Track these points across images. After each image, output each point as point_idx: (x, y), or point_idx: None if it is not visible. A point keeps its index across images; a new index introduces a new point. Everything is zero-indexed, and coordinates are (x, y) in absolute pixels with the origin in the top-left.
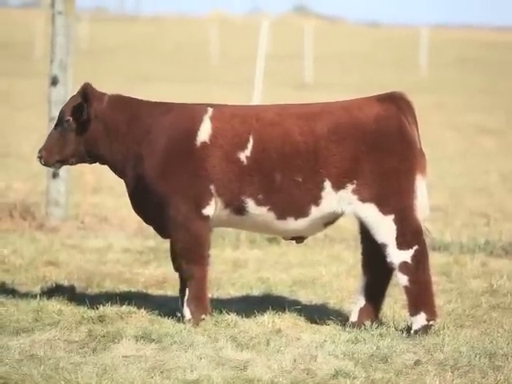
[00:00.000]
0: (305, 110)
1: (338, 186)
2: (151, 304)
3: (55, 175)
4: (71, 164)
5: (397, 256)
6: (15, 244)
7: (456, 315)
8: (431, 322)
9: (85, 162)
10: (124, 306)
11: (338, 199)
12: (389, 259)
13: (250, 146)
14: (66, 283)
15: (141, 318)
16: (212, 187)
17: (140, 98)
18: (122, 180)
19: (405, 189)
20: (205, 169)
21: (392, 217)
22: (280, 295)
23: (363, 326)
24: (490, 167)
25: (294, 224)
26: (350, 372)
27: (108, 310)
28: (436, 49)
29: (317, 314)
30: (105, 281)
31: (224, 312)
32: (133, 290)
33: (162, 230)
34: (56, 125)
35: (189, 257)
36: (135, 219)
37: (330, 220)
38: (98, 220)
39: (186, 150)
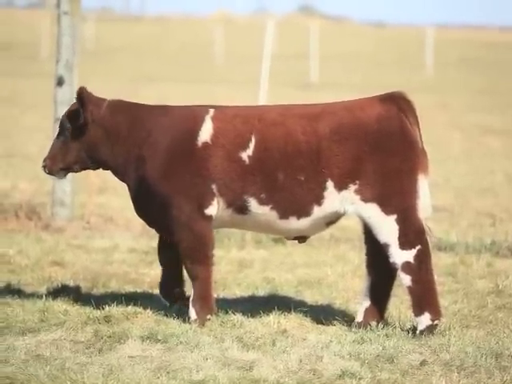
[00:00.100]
0: (307, 111)
1: (341, 186)
2: (157, 304)
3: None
4: (75, 171)
5: (399, 256)
6: (21, 244)
7: (462, 316)
8: (436, 322)
9: (88, 168)
10: (130, 307)
11: (340, 199)
12: (391, 259)
13: (252, 145)
14: (71, 283)
15: (147, 318)
16: (214, 187)
17: (143, 100)
18: (125, 184)
19: (407, 189)
20: (207, 169)
21: (394, 217)
22: (286, 295)
23: (369, 327)
24: (496, 167)
25: (296, 223)
26: (356, 372)
27: (114, 310)
28: (441, 49)
29: (323, 314)
30: (110, 281)
31: (230, 312)
32: (139, 290)
33: (166, 232)
34: (58, 133)
35: (193, 257)
36: (141, 219)
37: (333, 220)
38: (104, 220)
39: (187, 150)
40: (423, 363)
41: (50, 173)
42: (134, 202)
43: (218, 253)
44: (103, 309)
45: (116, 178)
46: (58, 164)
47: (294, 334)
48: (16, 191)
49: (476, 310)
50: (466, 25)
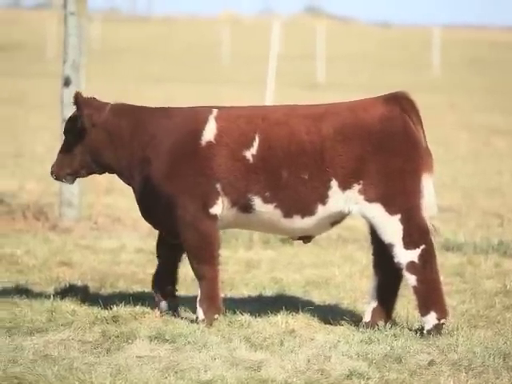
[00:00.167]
0: (310, 111)
1: (345, 185)
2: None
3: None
4: (82, 176)
5: (404, 256)
6: (28, 244)
7: (470, 316)
8: (442, 321)
9: (94, 172)
10: (138, 307)
11: (344, 199)
12: (396, 259)
13: (256, 144)
14: (79, 283)
15: (154, 318)
16: (218, 186)
17: (149, 100)
18: (130, 186)
19: (411, 188)
20: (211, 168)
21: (398, 216)
22: (293, 295)
23: (377, 327)
24: (503, 167)
25: (300, 222)
26: (363, 372)
27: (122, 310)
28: (448, 49)
29: (330, 314)
30: (118, 281)
31: (237, 312)
32: (146, 290)
33: (172, 233)
34: (64, 139)
35: (199, 256)
36: (147, 222)
37: (337, 219)
38: (111, 220)
39: (191, 150)
40: (431, 363)
41: (58, 178)
42: (139, 205)
43: (225, 253)
44: (111, 309)
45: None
46: (65, 169)
47: (302, 334)
48: (23, 191)
49: (484, 310)
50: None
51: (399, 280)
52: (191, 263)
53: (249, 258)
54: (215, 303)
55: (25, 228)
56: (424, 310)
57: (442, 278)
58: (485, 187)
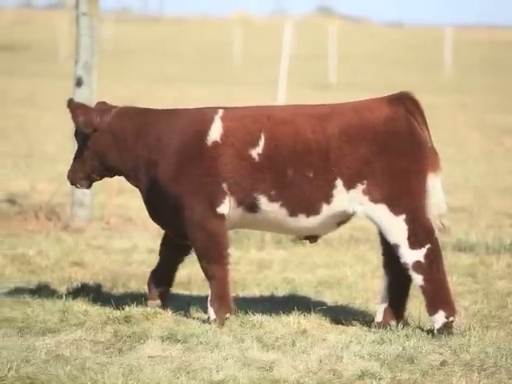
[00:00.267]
0: (316, 110)
1: (349, 185)
2: (176, 304)
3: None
4: (95, 180)
5: (410, 256)
6: (41, 245)
7: (482, 316)
8: (451, 319)
9: (105, 175)
10: (150, 300)
11: (349, 199)
12: (402, 259)
13: (261, 143)
14: (91, 284)
15: (166, 318)
16: (225, 185)
17: (161, 100)
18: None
19: (416, 189)
20: (217, 168)
21: (403, 217)
22: (305, 296)
23: (389, 327)
24: None
25: (306, 221)
26: (375, 373)
27: (134, 310)
28: (460, 49)
29: (342, 314)
30: (130, 281)
31: (249, 312)
32: None
33: (180, 234)
34: (77, 144)
35: (208, 256)
36: (155, 223)
37: (343, 219)
38: (123, 221)
39: (197, 150)
40: (443, 364)
41: (72, 183)
42: (147, 206)
43: (237, 253)
44: (123, 309)
45: None
46: (78, 174)
47: (314, 335)
48: (35, 192)
49: (496, 310)
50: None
51: (410, 279)
52: (201, 263)
53: (261, 258)
54: (226, 302)
55: (37, 228)
56: (432, 309)
57: (450, 278)
58: (497, 187)
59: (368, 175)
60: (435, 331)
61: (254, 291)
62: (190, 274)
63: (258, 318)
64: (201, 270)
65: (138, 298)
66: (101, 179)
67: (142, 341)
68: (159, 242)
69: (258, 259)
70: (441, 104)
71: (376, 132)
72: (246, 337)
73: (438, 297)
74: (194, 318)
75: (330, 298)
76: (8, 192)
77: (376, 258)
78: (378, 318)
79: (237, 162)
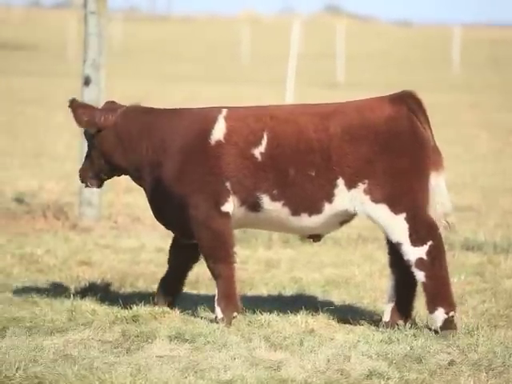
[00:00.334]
0: (318, 110)
1: (350, 184)
2: (184, 304)
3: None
4: (104, 179)
5: (412, 253)
6: (49, 244)
7: (490, 315)
8: (451, 314)
9: (113, 175)
10: (157, 306)
11: (350, 198)
12: (405, 257)
13: (264, 142)
14: (99, 283)
15: (174, 317)
16: (228, 184)
17: (169, 99)
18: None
19: (416, 188)
20: (220, 167)
21: (403, 215)
22: (313, 295)
23: (396, 326)
24: None
25: (308, 220)
26: (383, 372)
27: (141, 309)
28: (468, 48)
29: (350, 314)
30: (138, 280)
31: (257, 312)
32: None
33: (184, 233)
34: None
35: (214, 255)
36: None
37: (346, 219)
38: (131, 220)
39: (201, 149)
40: (451, 363)
41: (83, 182)
42: (151, 205)
43: (245, 252)
44: (131, 308)
45: None
46: (88, 173)
47: (322, 334)
48: (43, 191)
49: (504, 309)
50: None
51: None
52: (207, 262)
53: (268, 258)
54: (233, 301)
55: (45, 227)
56: (431, 306)
57: (459, 277)
58: (505, 186)
59: (369, 175)
60: (438, 329)
61: (262, 290)
62: (197, 274)
63: (265, 317)
64: (206, 269)
65: (146, 298)
66: (109, 178)
67: (149, 340)
68: (167, 240)
69: (266, 258)
70: (448, 103)
71: (378, 131)
72: (253, 336)
73: (439, 294)
74: (201, 318)
75: (337, 297)
76: (16, 191)
77: (384, 257)
78: (386, 317)
79: (240, 162)
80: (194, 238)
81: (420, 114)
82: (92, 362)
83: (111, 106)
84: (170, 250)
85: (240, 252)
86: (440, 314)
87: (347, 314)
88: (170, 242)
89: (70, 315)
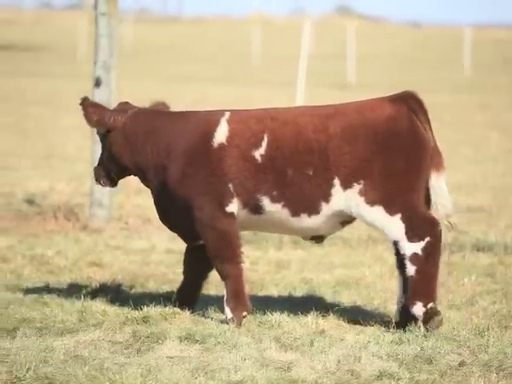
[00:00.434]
0: (319, 111)
1: (346, 184)
2: (194, 305)
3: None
4: (116, 179)
5: (408, 248)
6: (59, 245)
7: (501, 316)
8: (430, 305)
9: (123, 175)
10: (168, 307)
11: (345, 198)
12: (401, 251)
13: (264, 144)
14: (109, 284)
15: (184, 318)
16: (231, 186)
17: (180, 100)
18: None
19: (412, 188)
20: (222, 169)
21: (399, 216)
22: (323, 296)
23: (407, 327)
24: None
25: (308, 221)
26: (394, 373)
27: (152, 310)
28: (479, 48)
29: (360, 314)
30: (148, 281)
31: (268, 313)
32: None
33: (188, 236)
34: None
35: (221, 256)
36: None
37: (346, 219)
38: (142, 221)
39: (205, 152)
40: (462, 364)
41: (97, 181)
42: (156, 207)
43: (255, 253)
44: (141, 309)
45: None
46: (101, 173)
47: (332, 335)
48: (54, 192)
49: None
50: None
51: None
52: (214, 263)
53: (279, 259)
54: (242, 301)
55: (56, 228)
56: (411, 301)
57: (469, 278)
58: None
59: (365, 175)
60: (422, 324)
61: (272, 291)
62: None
63: (276, 318)
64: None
65: (157, 299)
66: (119, 178)
67: (160, 341)
68: (177, 242)
69: (276, 259)
70: (459, 104)
71: (377, 131)
72: (264, 337)
73: (423, 289)
74: (212, 319)
75: (348, 298)
76: (27, 192)
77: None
78: (396, 318)
79: (241, 164)
80: (199, 240)
81: (421, 114)
82: (102, 363)
83: (123, 107)
84: (184, 261)
85: (250, 253)
86: (419, 308)
87: (357, 315)
88: (180, 243)
89: (80, 316)
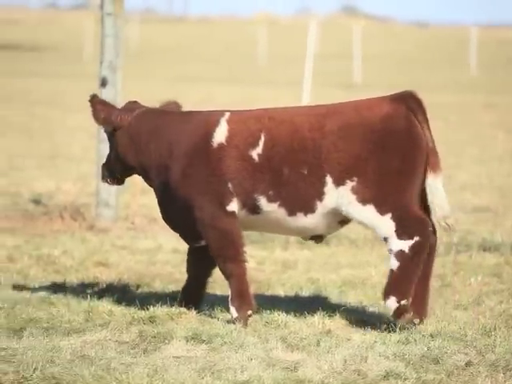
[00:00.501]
0: (317, 110)
1: (339, 182)
2: (201, 304)
3: (108, 182)
4: (121, 177)
5: (396, 244)
6: (66, 245)
7: (507, 316)
8: (403, 302)
9: (128, 174)
10: (174, 307)
11: (337, 195)
12: (389, 246)
13: (261, 143)
14: (116, 284)
15: (191, 318)
16: (230, 186)
17: (186, 101)
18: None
19: (404, 188)
20: (221, 169)
21: (390, 215)
22: (330, 296)
23: (413, 325)
24: None
25: (304, 221)
26: (400, 373)
27: (158, 310)
28: (485, 48)
29: (367, 314)
30: (155, 281)
31: (274, 313)
32: None
33: (189, 236)
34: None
35: (224, 255)
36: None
37: (343, 218)
38: (148, 221)
39: (205, 152)
40: (468, 364)
41: (103, 178)
42: (159, 207)
43: (262, 253)
44: (148, 309)
45: None
46: (106, 171)
47: (339, 335)
48: (60, 192)
49: None
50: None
51: (429, 275)
52: (218, 263)
53: (285, 259)
54: (246, 299)
55: (62, 228)
56: (386, 294)
57: (476, 278)
58: None
59: (360, 173)
60: (392, 318)
61: (279, 291)
62: (214, 274)
63: (282, 318)
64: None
65: (163, 298)
66: (125, 177)
67: (166, 341)
68: (183, 241)
69: (283, 259)
70: (465, 103)
71: (374, 129)
72: (270, 337)
73: (399, 285)
74: (218, 319)
75: (354, 298)
76: (33, 192)
77: None
78: None
79: (239, 164)
80: (200, 241)
81: (419, 114)
82: (109, 363)
83: (130, 106)
84: (187, 260)
85: (257, 253)
86: (392, 303)
87: (364, 315)
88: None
89: (87, 316)
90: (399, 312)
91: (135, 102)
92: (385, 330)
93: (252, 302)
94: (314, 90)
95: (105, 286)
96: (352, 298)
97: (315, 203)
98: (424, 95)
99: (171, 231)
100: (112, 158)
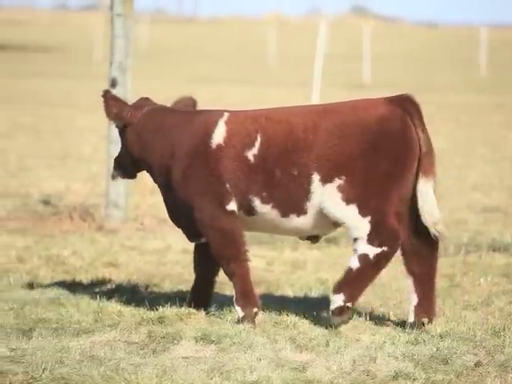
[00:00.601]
0: (314, 109)
1: (326, 179)
2: (210, 304)
3: (114, 177)
4: (131, 173)
5: (364, 247)
6: (75, 245)
7: None
8: (348, 305)
9: (138, 170)
10: (183, 307)
11: (322, 193)
12: (354, 246)
13: (257, 144)
14: (125, 284)
15: (200, 319)
16: (228, 186)
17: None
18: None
19: (390, 192)
20: (219, 169)
21: (368, 219)
22: None
23: (422, 326)
24: None
25: (298, 221)
26: (409, 373)
27: (167, 311)
28: (495, 49)
29: (376, 315)
30: (164, 282)
31: (283, 313)
32: None
33: (194, 235)
34: None
35: (226, 255)
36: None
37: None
38: (157, 221)
39: (204, 152)
40: (478, 364)
41: (113, 175)
42: (165, 205)
43: (271, 254)
44: (157, 310)
45: None
46: (117, 168)
47: (348, 335)
48: (70, 193)
49: None
50: None
51: (433, 274)
52: (220, 263)
53: (294, 259)
54: (251, 298)
55: (71, 229)
56: (337, 288)
57: (485, 278)
58: None
59: (348, 172)
60: (330, 311)
61: (288, 291)
62: (222, 275)
63: (291, 318)
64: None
65: (172, 299)
66: (134, 172)
67: (175, 341)
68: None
69: (292, 260)
70: (476, 104)
71: (368, 130)
72: (279, 337)
73: (352, 285)
74: (227, 319)
75: (363, 298)
76: (43, 193)
77: None
78: (411, 318)
79: (236, 164)
80: (201, 238)
81: (415, 118)
82: (118, 363)
83: (141, 103)
84: (194, 258)
85: (266, 253)
86: (338, 300)
87: (373, 315)
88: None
89: (96, 316)
90: (340, 311)
91: (147, 98)
92: (394, 330)
93: (257, 300)
94: (323, 90)
95: (114, 286)
96: (361, 299)
97: (305, 204)
98: (434, 95)
99: (180, 231)
100: (122, 153)
